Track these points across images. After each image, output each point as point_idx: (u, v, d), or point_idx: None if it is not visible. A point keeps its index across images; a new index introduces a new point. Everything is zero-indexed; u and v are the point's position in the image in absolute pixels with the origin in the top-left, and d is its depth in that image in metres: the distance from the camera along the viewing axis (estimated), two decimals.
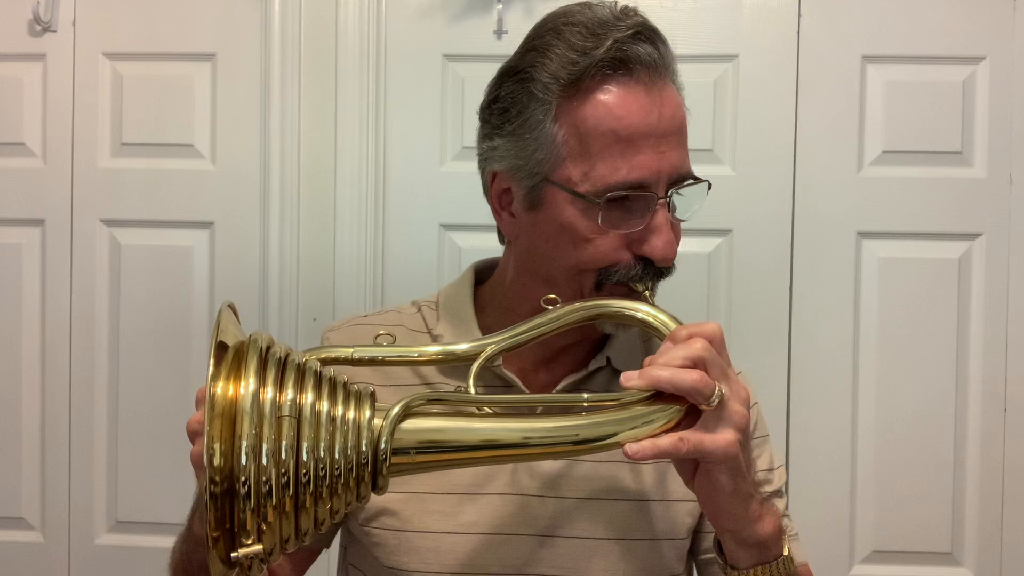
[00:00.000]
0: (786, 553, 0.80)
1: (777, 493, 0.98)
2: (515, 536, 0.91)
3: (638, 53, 0.84)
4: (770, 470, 0.99)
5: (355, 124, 1.73)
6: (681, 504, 0.94)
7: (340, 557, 1.03)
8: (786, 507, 1.01)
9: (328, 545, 1.02)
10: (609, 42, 0.83)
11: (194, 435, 0.73)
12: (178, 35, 1.76)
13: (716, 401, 0.72)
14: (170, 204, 1.76)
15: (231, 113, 1.75)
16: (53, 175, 1.77)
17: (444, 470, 0.88)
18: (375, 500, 0.91)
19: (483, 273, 1.02)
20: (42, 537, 1.79)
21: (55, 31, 1.76)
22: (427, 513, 0.91)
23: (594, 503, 0.92)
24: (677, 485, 0.93)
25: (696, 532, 0.96)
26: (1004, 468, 1.70)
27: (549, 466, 0.92)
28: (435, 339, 0.96)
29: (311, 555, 1.01)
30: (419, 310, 1.01)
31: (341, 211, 1.74)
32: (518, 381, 0.93)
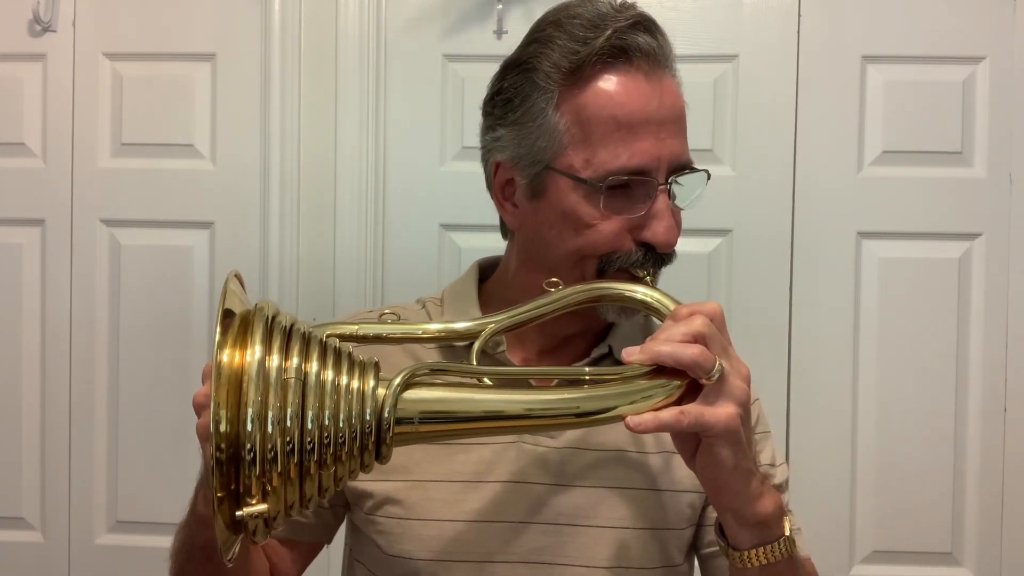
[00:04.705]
0: (787, 534, 0.80)
1: (779, 488, 0.98)
2: (519, 524, 0.91)
3: (637, 42, 0.86)
4: (772, 465, 0.99)
5: (355, 124, 1.73)
6: (684, 495, 0.94)
7: (345, 556, 1.03)
8: (788, 503, 1.01)
9: (329, 541, 1.02)
10: (609, 32, 0.86)
11: (199, 408, 0.74)
12: (178, 35, 1.76)
13: (717, 376, 0.73)
14: (170, 204, 1.76)
15: (231, 113, 1.75)
16: (53, 175, 1.77)
17: (446, 440, 0.89)
18: (379, 488, 0.92)
19: (487, 270, 1.03)
20: (42, 537, 1.79)
21: (55, 31, 1.76)
22: (431, 501, 0.92)
23: (598, 491, 0.92)
24: (681, 475, 0.93)
25: (699, 526, 0.97)
26: (1004, 468, 1.70)
27: (553, 454, 0.93)
28: None
29: (312, 550, 1.01)
30: (423, 306, 1.02)
31: (341, 211, 1.73)
32: None
